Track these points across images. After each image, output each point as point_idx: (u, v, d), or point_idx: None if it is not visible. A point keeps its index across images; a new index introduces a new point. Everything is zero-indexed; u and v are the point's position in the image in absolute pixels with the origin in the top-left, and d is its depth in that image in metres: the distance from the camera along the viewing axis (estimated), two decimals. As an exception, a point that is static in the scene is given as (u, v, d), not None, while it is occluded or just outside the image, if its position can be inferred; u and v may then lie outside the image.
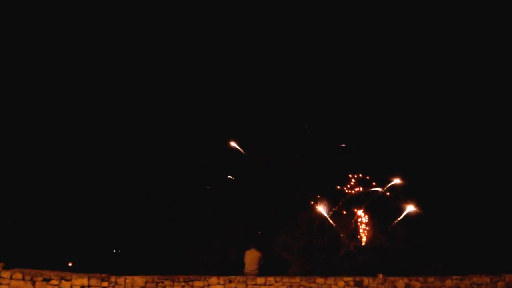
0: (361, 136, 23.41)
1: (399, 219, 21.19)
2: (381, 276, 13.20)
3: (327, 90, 25.67)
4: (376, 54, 24.99)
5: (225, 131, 24.45)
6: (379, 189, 21.94)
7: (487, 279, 13.38)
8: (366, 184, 22.24)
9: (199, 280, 12.38)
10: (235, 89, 26.26)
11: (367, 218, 22.04)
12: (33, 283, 11.71)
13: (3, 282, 11.65)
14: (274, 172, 23.75)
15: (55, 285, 11.77)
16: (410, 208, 21.08)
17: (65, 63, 23.44)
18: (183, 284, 12.27)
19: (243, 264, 14.29)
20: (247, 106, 25.34)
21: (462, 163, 22.08)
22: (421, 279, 13.22)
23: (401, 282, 13.14)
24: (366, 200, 22.17)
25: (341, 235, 21.81)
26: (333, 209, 22.42)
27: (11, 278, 11.68)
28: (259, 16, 27.62)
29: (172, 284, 12.23)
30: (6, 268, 11.84)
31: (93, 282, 11.93)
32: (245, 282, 12.60)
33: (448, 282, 13.24)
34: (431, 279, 13.24)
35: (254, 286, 12.59)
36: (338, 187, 22.61)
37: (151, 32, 26.38)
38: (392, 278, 13.21)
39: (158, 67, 26.42)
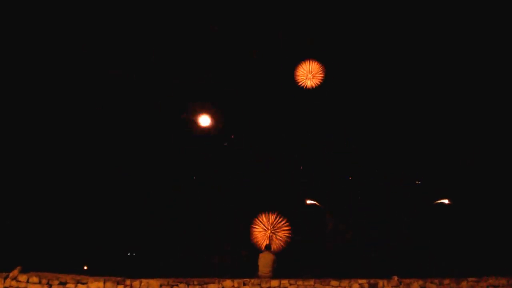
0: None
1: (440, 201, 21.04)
2: (396, 278, 13.12)
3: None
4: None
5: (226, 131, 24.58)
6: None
7: (504, 281, 13.24)
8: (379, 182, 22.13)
9: (213, 282, 12.41)
10: (235, 88, 26.24)
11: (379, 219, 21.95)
12: (50, 286, 11.83)
13: (20, 286, 11.80)
14: (279, 173, 23.78)
15: (71, 288, 11.89)
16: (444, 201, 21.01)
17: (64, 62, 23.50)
18: (197, 286, 12.31)
19: (256, 266, 14.33)
20: (248, 106, 25.30)
21: (463, 163, 21.94)
22: (436, 281, 13.12)
23: (416, 284, 13.05)
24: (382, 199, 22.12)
25: (355, 237, 21.74)
26: (344, 210, 22.38)
27: (27, 281, 11.81)
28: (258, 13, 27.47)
29: (186, 286, 12.27)
30: (23, 272, 11.99)
31: (109, 285, 12.03)
32: (259, 284, 12.60)
33: (464, 284, 13.12)
34: (446, 281, 13.12)
35: (268, 288, 12.59)
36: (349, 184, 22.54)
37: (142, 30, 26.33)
38: (407, 280, 13.11)
39: (156, 67, 26.42)
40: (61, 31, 22.89)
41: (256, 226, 22.92)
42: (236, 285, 12.50)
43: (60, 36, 22.76)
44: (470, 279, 13.23)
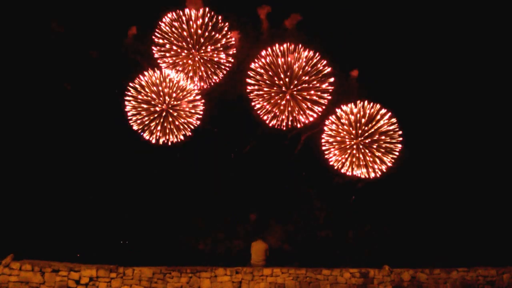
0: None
1: None
2: (387, 267, 13.27)
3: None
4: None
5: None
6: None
7: (493, 271, 13.43)
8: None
9: (206, 271, 12.50)
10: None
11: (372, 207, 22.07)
12: (42, 274, 11.87)
13: (13, 273, 11.82)
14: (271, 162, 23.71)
15: (64, 276, 11.93)
16: None
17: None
18: (190, 275, 12.39)
19: (249, 255, 14.41)
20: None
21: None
22: (427, 270, 13.29)
23: (406, 274, 13.20)
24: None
25: (346, 226, 21.89)
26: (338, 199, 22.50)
27: (20, 269, 11.84)
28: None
29: (179, 275, 12.36)
30: (15, 259, 12.00)
31: (101, 273, 12.08)
32: (251, 273, 12.71)
33: (454, 274, 13.29)
34: (437, 271, 13.30)
35: (261, 277, 12.70)
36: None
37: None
38: (398, 270, 13.28)
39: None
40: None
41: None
42: (228, 273, 12.59)
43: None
44: (460, 269, 13.41)
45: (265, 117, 21.73)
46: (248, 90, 21.44)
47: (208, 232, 21.65)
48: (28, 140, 20.48)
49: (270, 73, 21.07)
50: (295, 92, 21.12)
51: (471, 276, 13.30)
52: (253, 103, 21.65)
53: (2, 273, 11.78)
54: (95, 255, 15.63)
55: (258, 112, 21.71)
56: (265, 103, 21.51)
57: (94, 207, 20.65)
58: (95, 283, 12.01)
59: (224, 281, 12.51)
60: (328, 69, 20.94)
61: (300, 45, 20.82)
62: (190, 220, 21.74)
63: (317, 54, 20.88)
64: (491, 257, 14.71)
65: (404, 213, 21.39)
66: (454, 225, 20.64)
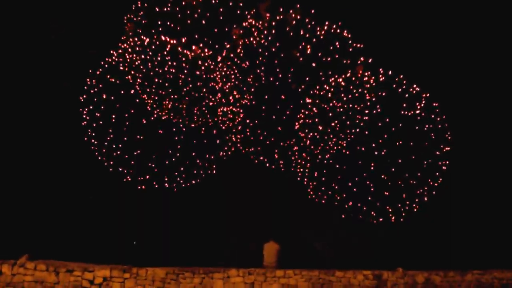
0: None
1: None
2: (400, 270, 13.19)
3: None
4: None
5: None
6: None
7: (509, 274, 13.29)
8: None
9: (219, 272, 12.53)
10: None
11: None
12: (57, 274, 11.98)
13: (28, 273, 11.96)
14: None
15: (78, 276, 12.03)
16: None
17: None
18: (203, 275, 12.42)
19: (262, 257, 14.42)
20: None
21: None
22: (441, 273, 13.18)
23: (420, 276, 13.10)
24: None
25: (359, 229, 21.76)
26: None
27: (35, 269, 11.97)
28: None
29: (192, 275, 12.40)
30: (30, 259, 12.15)
31: (115, 273, 12.16)
32: (264, 274, 12.70)
33: (469, 276, 13.17)
34: (451, 273, 13.19)
35: (273, 278, 12.68)
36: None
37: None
38: (412, 272, 13.19)
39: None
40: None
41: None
42: (241, 274, 12.60)
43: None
44: (475, 271, 13.30)
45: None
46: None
47: (221, 233, 21.70)
48: (39, 140, 20.69)
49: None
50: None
51: (486, 278, 13.18)
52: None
53: (18, 273, 11.93)
54: (108, 256, 15.75)
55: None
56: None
57: (108, 208, 20.81)
58: (109, 283, 12.10)
59: (237, 282, 12.52)
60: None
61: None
62: (204, 221, 21.81)
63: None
64: (507, 260, 14.55)
65: (418, 215, 21.24)
66: (469, 227, 20.46)
